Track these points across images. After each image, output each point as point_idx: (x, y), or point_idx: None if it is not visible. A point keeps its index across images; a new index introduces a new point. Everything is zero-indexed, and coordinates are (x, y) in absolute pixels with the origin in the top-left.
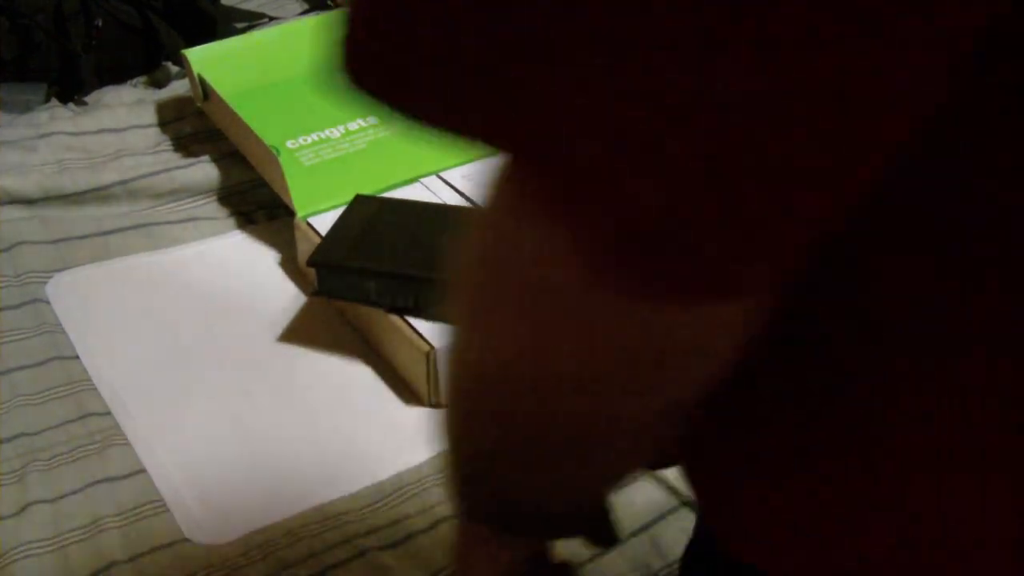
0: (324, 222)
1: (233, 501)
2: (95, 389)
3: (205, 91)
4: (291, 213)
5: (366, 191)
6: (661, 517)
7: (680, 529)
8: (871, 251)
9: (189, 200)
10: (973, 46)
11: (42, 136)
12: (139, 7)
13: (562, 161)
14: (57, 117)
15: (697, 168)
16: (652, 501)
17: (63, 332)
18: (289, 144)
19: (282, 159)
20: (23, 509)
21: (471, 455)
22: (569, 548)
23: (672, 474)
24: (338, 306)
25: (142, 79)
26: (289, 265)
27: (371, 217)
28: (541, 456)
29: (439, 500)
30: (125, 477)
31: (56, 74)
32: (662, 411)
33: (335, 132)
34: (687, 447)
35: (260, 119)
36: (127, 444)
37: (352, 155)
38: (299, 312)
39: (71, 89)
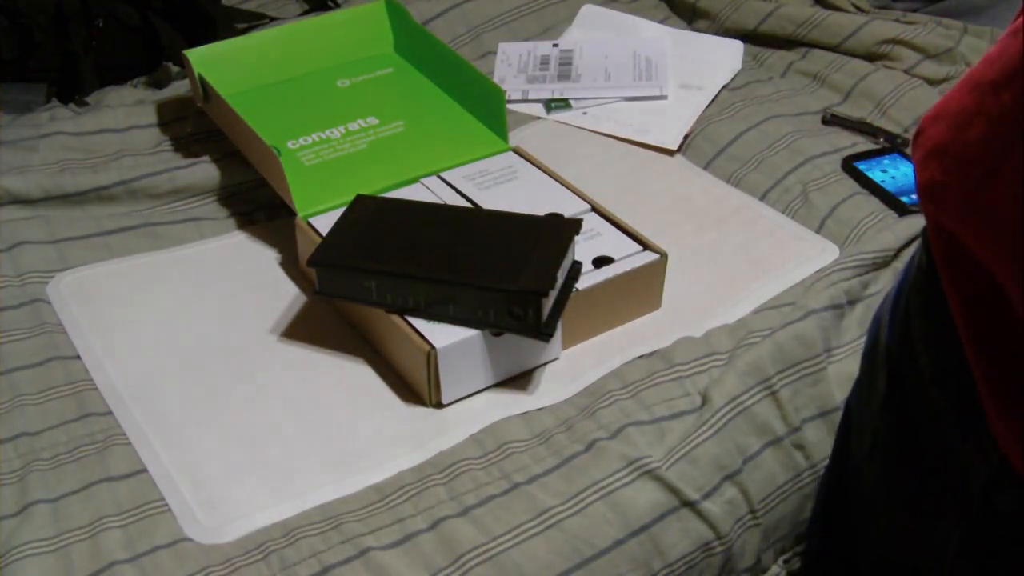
0: (324, 222)
1: (233, 500)
2: (95, 389)
3: (206, 91)
4: (291, 213)
5: (366, 191)
6: (661, 517)
7: (680, 529)
8: None
9: (190, 200)
10: None
11: (43, 136)
12: (139, 7)
13: None
14: (58, 117)
15: None
16: (652, 501)
17: (63, 332)
18: (289, 144)
19: (282, 159)
20: (24, 509)
21: None
22: (571, 546)
23: (672, 474)
24: (338, 306)
25: (142, 79)
26: (289, 265)
27: (371, 217)
28: None
29: (439, 500)
30: (125, 477)
31: (56, 74)
32: None
33: (335, 132)
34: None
35: (260, 119)
36: (127, 444)
37: (352, 155)
38: (299, 312)
39: (71, 89)
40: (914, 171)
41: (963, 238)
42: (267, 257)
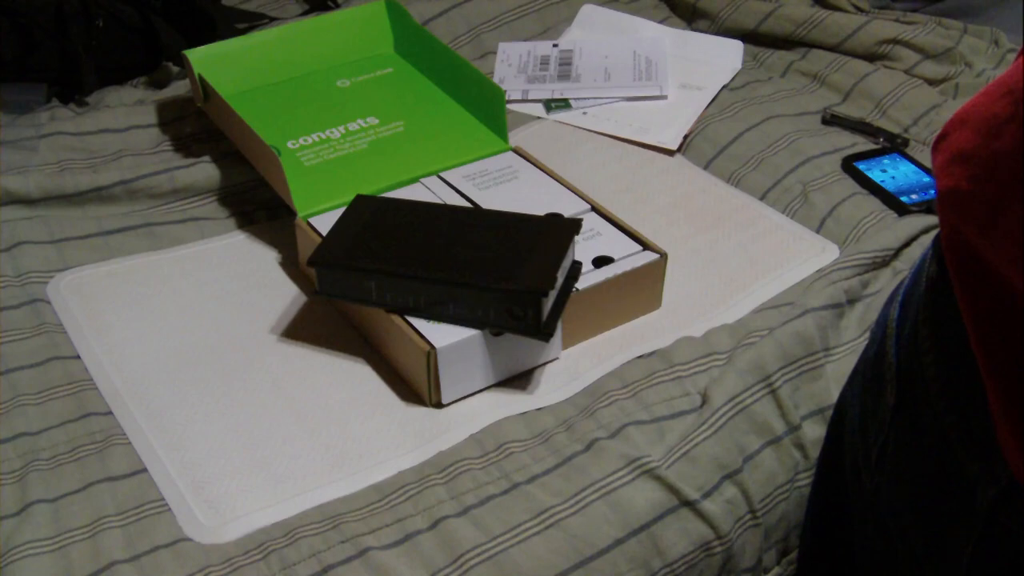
0: (324, 222)
1: (233, 500)
2: (95, 389)
3: (205, 91)
4: (291, 213)
5: (366, 191)
6: (661, 516)
7: (680, 529)
8: None
9: (190, 200)
10: None
11: (43, 136)
12: (139, 7)
13: None
14: (58, 117)
15: None
16: (652, 500)
17: (63, 332)
18: (289, 144)
19: (282, 159)
20: (23, 509)
21: None
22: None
23: (672, 474)
24: (338, 306)
25: (142, 79)
26: (289, 265)
27: (371, 217)
28: None
29: (439, 500)
30: (125, 477)
31: (56, 74)
32: None
33: (335, 132)
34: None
35: (260, 119)
36: (127, 444)
37: (352, 155)
38: (299, 312)
39: (71, 89)
40: (936, 177)
41: (982, 249)
42: (267, 257)
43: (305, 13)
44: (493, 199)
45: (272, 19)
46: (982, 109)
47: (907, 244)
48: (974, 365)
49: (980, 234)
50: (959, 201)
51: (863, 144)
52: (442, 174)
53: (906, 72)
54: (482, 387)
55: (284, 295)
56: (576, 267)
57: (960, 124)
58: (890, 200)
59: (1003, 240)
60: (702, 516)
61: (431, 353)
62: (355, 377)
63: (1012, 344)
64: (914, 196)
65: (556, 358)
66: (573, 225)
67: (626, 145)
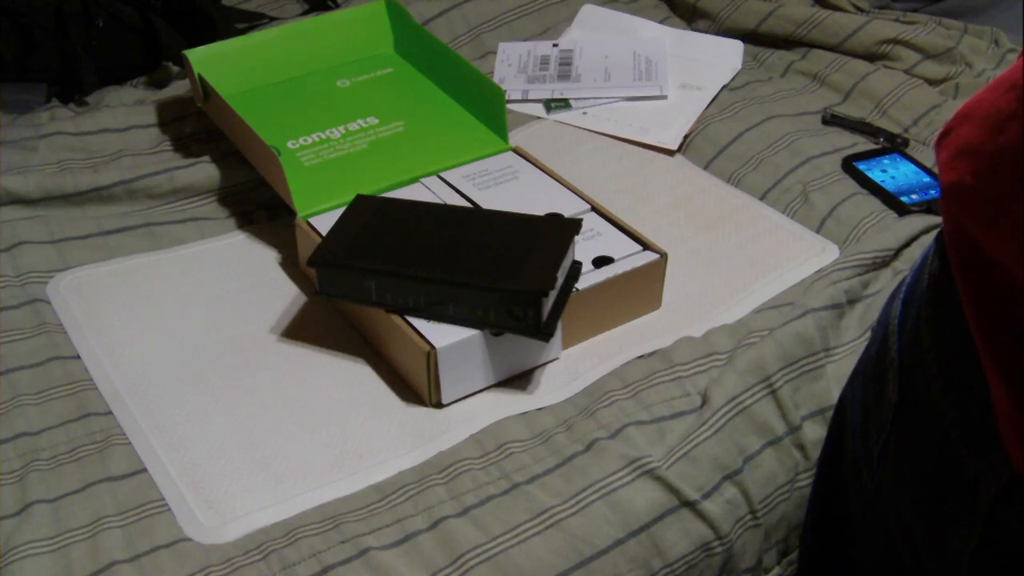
0: (324, 222)
1: (233, 500)
2: (95, 389)
3: (205, 91)
4: (291, 213)
5: (366, 191)
6: (661, 517)
7: (680, 529)
8: None
9: (190, 200)
10: None
11: (43, 136)
12: (139, 7)
13: None
14: (58, 117)
15: None
16: (652, 501)
17: (63, 332)
18: (289, 144)
19: (282, 159)
20: (24, 509)
21: None
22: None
23: (672, 474)
24: (338, 306)
25: (142, 79)
26: (289, 265)
27: (371, 217)
28: None
29: (439, 500)
30: (125, 477)
31: (56, 74)
32: None
33: (335, 132)
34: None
35: (260, 119)
36: (127, 444)
37: (352, 155)
38: (299, 312)
39: (71, 89)
40: (939, 171)
41: (985, 243)
42: (267, 257)
43: (305, 13)
44: (493, 199)
45: (272, 19)
46: (986, 104)
47: (907, 244)
48: (976, 361)
49: (983, 228)
50: (962, 195)
51: (863, 144)
52: (442, 174)
53: (906, 72)
54: (482, 387)
55: (284, 295)
56: (576, 267)
57: (964, 119)
58: (890, 200)
59: (1006, 234)
60: (702, 516)
61: (431, 353)
62: (355, 377)
63: (1013, 337)
64: (914, 196)
65: (556, 358)
66: (573, 225)
67: (626, 145)
